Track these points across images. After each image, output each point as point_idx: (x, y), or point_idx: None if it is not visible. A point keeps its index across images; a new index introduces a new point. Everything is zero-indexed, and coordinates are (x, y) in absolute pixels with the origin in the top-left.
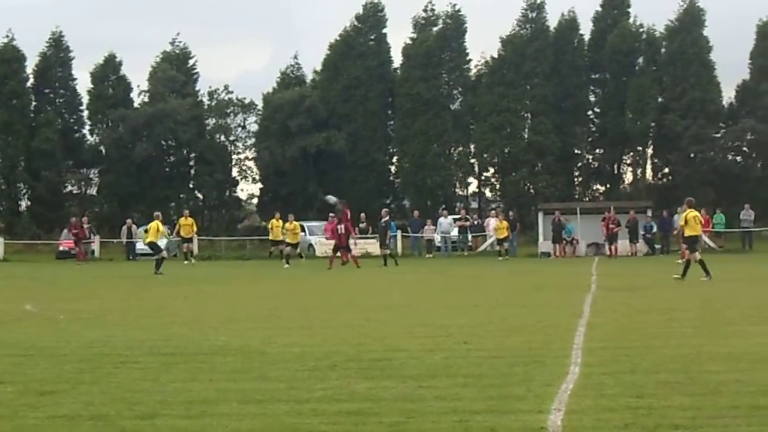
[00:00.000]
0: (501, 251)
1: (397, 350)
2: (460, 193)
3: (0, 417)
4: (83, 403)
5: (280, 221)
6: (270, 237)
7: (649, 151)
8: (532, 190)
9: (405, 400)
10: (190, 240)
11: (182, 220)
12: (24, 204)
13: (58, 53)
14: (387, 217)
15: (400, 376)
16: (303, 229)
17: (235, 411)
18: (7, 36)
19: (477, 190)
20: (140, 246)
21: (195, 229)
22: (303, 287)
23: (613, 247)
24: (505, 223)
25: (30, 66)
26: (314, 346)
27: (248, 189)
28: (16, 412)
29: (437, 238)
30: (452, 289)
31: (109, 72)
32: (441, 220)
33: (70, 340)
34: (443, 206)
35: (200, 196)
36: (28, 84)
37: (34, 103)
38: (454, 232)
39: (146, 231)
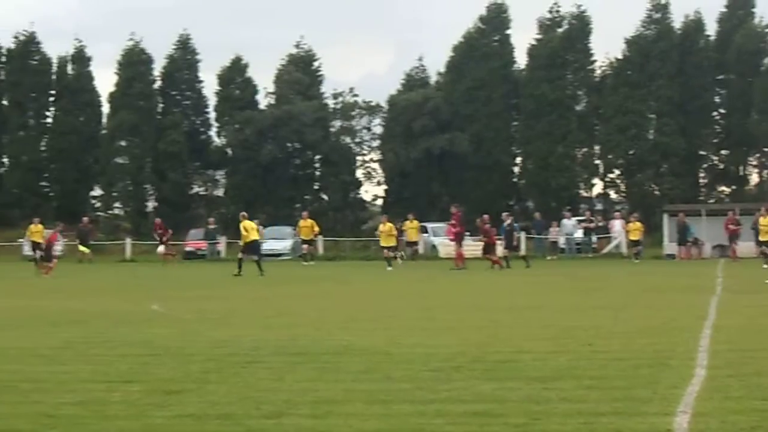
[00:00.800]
0: (633, 253)
1: (522, 352)
2: (585, 194)
3: (127, 416)
4: (210, 403)
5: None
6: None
7: None
8: (657, 192)
9: (530, 401)
10: (309, 242)
11: (302, 222)
12: (151, 205)
13: (185, 56)
14: (509, 220)
15: (525, 377)
16: (426, 230)
17: (360, 411)
18: (134, 39)
19: (601, 191)
20: (266, 246)
21: (316, 230)
22: (427, 288)
23: (732, 248)
24: (638, 224)
25: (157, 68)
26: (438, 346)
27: (372, 190)
28: (144, 412)
29: (561, 239)
30: (576, 291)
31: (235, 74)
32: (565, 221)
33: (197, 339)
34: (567, 207)
35: (325, 197)
36: (155, 86)
37: (161, 105)
38: (578, 234)
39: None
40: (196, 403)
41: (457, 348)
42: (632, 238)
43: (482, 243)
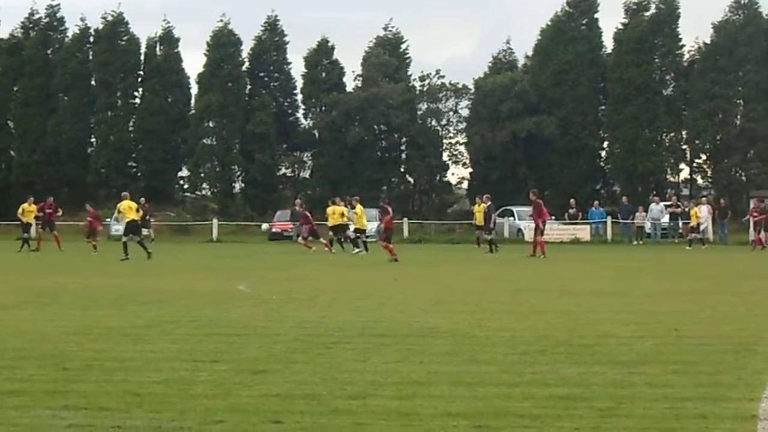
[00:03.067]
0: (695, 239)
1: (607, 336)
2: (671, 179)
3: (214, 395)
4: (296, 383)
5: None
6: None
7: None
8: (743, 177)
9: (615, 385)
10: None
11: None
12: (238, 186)
13: (273, 37)
14: (489, 203)
15: (611, 361)
16: (512, 214)
17: (445, 393)
18: (223, 20)
19: (688, 176)
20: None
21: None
22: (512, 271)
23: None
24: (695, 210)
25: (245, 50)
26: (524, 330)
27: (458, 173)
28: (229, 391)
29: (647, 224)
30: (662, 276)
31: (322, 56)
32: (651, 206)
33: (283, 320)
34: (654, 192)
35: (411, 180)
36: (244, 68)
37: (249, 87)
38: (665, 219)
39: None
40: (281, 382)
41: (542, 332)
42: (692, 224)
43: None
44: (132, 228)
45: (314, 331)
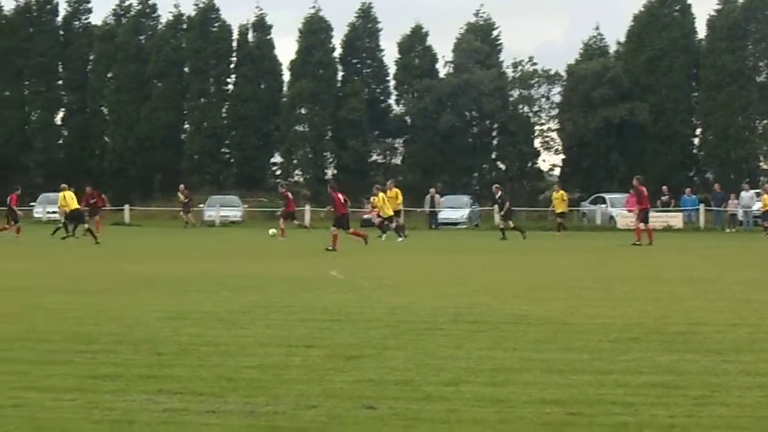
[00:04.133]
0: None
1: (700, 324)
2: (765, 167)
3: (307, 380)
4: (389, 368)
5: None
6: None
7: None
8: None
9: (709, 373)
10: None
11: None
12: (330, 173)
13: (366, 24)
14: (500, 192)
15: (704, 349)
16: (604, 201)
17: (538, 380)
18: (315, 7)
19: None
20: (443, 215)
21: (399, 200)
22: (603, 259)
23: None
24: (765, 197)
25: (337, 37)
26: (616, 317)
27: (550, 160)
28: (323, 376)
29: (739, 212)
30: (754, 264)
31: (415, 42)
32: (742, 194)
33: (375, 306)
34: (746, 180)
35: (502, 166)
36: (336, 54)
37: (341, 74)
38: (757, 207)
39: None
40: (375, 368)
41: (635, 319)
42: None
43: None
44: (75, 216)
45: (406, 317)
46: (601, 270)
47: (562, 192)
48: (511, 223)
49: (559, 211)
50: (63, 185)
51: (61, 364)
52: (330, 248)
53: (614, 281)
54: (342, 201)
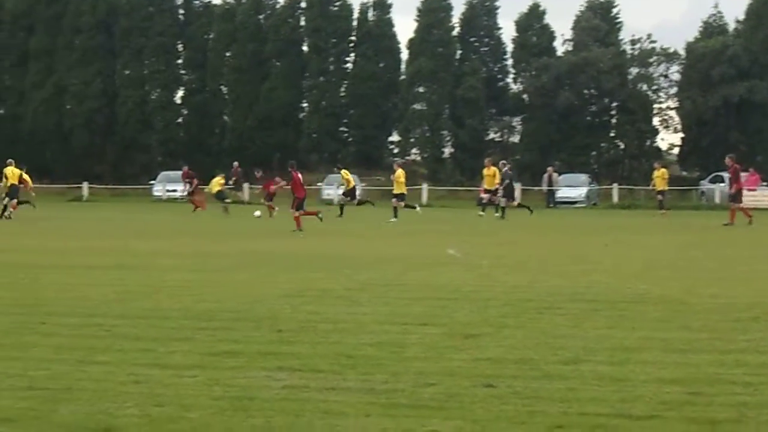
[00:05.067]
0: None
1: None
2: None
3: (426, 358)
4: (507, 347)
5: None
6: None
7: None
8: None
9: None
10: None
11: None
12: (447, 151)
13: (484, 2)
14: (506, 168)
15: None
16: (722, 180)
17: (657, 359)
18: None
19: None
20: (560, 194)
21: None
22: (720, 238)
23: None
24: None
25: (456, 15)
26: (736, 297)
27: (669, 139)
28: (441, 354)
29: None
30: None
31: (533, 21)
32: None
33: (493, 284)
34: None
35: (621, 145)
36: (454, 33)
37: (459, 52)
38: None
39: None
40: (493, 347)
41: (755, 299)
42: None
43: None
44: (14, 192)
45: (525, 296)
46: (719, 249)
47: (663, 170)
48: (512, 203)
49: (659, 189)
50: (9, 160)
51: (182, 341)
52: (296, 230)
53: (734, 261)
54: (301, 182)
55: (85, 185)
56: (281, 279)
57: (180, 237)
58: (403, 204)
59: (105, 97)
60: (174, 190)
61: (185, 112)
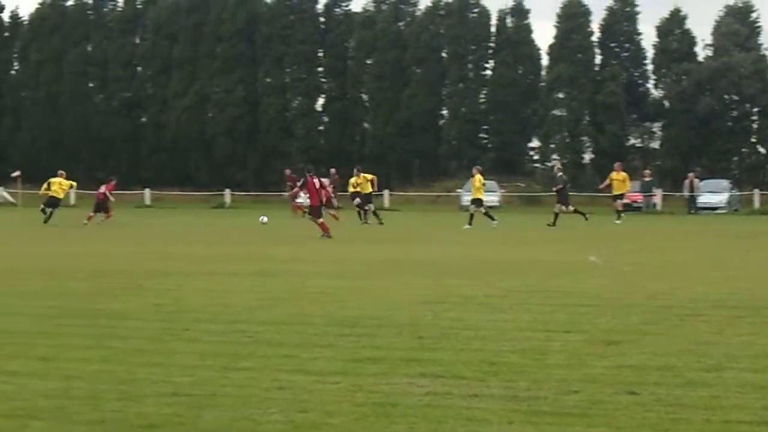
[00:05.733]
0: None
1: None
2: None
3: (568, 365)
4: (650, 354)
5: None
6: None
7: None
8: None
9: None
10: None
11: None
12: (587, 157)
13: (623, 7)
14: (560, 173)
15: None
16: None
17: None
18: None
19: None
20: (702, 200)
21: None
22: None
23: None
24: None
25: (595, 21)
26: None
27: None
28: (584, 361)
29: None
30: None
31: (674, 26)
32: None
33: (635, 291)
34: None
35: (762, 150)
36: (593, 38)
37: (599, 58)
38: None
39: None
40: (635, 354)
41: None
42: None
43: None
44: (52, 202)
45: (667, 303)
46: None
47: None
48: (568, 208)
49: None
50: (60, 171)
51: (325, 348)
52: (324, 236)
53: None
54: (317, 188)
55: (227, 192)
56: (421, 286)
57: (316, 243)
58: (482, 210)
59: (246, 104)
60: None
61: (326, 119)
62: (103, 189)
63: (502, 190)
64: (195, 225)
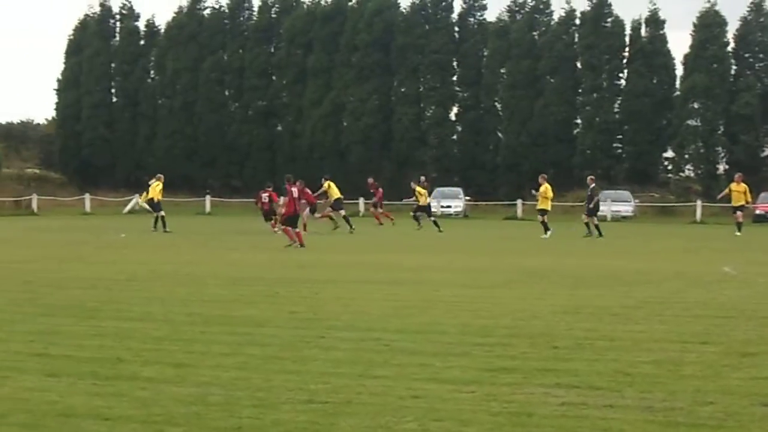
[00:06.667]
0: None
1: None
2: None
3: (704, 376)
4: None
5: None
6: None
7: None
8: None
9: None
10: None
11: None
12: (722, 168)
13: (758, 18)
14: (593, 184)
15: None
16: None
17: None
18: (709, 1)
19: None
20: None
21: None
22: None
23: None
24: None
25: (730, 31)
26: None
27: None
28: (719, 373)
29: None
30: None
31: None
32: None
33: None
34: None
35: None
36: (729, 49)
37: (734, 68)
38: None
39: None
40: None
41: None
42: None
43: None
44: (157, 206)
45: None
46: None
47: (743, 186)
48: (594, 220)
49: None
50: (159, 175)
51: (459, 356)
52: (294, 244)
53: None
54: (294, 197)
55: (361, 201)
56: (555, 295)
57: (447, 252)
58: (544, 218)
59: (381, 113)
60: (448, 206)
61: (459, 128)
62: (265, 197)
63: (636, 201)
64: (322, 232)
